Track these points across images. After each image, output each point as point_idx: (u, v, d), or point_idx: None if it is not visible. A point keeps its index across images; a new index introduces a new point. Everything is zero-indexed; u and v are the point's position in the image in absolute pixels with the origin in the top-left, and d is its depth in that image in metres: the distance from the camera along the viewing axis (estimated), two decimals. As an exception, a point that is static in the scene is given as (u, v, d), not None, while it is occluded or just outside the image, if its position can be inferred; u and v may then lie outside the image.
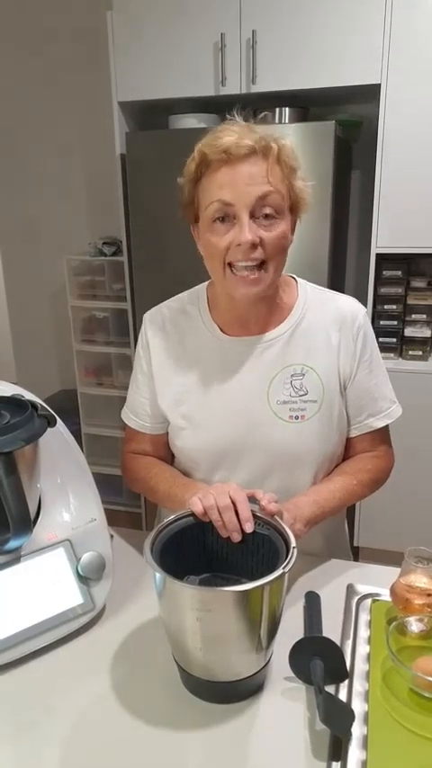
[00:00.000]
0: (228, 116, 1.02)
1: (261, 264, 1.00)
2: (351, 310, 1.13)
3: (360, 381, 1.13)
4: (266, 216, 0.98)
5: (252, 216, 0.98)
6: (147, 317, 1.21)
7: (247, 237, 0.96)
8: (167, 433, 1.21)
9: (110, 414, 3.05)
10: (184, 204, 1.06)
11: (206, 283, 1.18)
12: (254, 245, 0.98)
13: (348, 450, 1.19)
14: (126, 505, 3.01)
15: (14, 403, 0.95)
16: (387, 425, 1.18)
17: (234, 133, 0.97)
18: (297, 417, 1.10)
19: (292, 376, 1.10)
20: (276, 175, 0.98)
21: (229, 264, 1.01)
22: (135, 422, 1.22)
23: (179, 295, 1.21)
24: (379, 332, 2.46)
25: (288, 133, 2.20)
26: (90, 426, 3.12)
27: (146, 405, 1.20)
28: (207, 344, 1.14)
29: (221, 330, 1.13)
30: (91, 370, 3.09)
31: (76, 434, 3.11)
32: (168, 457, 1.24)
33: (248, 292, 1.02)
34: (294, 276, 1.18)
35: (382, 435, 1.19)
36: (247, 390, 1.11)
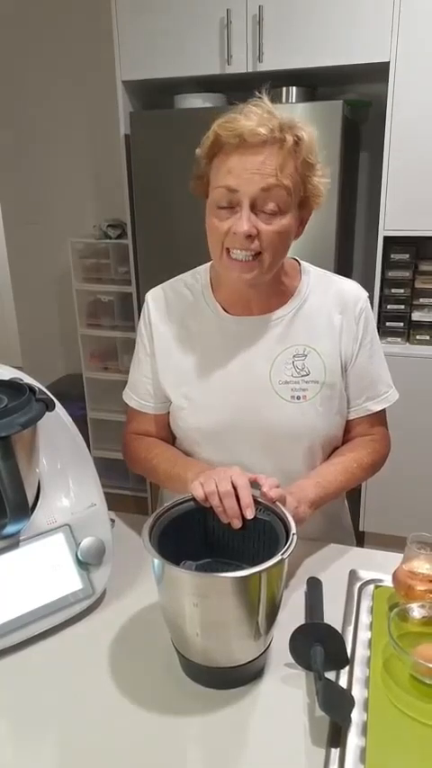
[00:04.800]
0: (257, 94, 0.98)
1: (257, 255, 0.99)
2: (353, 294, 1.14)
3: (360, 364, 1.14)
4: (270, 211, 0.97)
5: (254, 207, 0.96)
6: (149, 295, 1.20)
7: (244, 228, 0.96)
8: (169, 412, 1.21)
9: (116, 398, 3.01)
10: (197, 176, 1.05)
11: (209, 264, 1.17)
12: (250, 237, 0.97)
13: (346, 432, 1.20)
14: (133, 490, 3.01)
15: (12, 386, 0.94)
16: (384, 409, 1.19)
17: (253, 119, 0.94)
18: (298, 398, 1.10)
19: (294, 356, 1.10)
20: (287, 170, 0.96)
21: (227, 249, 1.00)
22: (137, 401, 1.22)
23: (181, 275, 1.20)
24: (386, 316, 2.43)
25: (295, 113, 2.16)
26: (96, 411, 3.10)
27: (148, 384, 1.19)
28: (209, 324, 1.14)
29: (224, 309, 1.13)
30: (96, 354, 3.08)
31: (83, 419, 3.12)
32: (170, 437, 1.24)
33: (241, 278, 1.02)
34: (297, 259, 1.17)
35: (380, 419, 1.20)
36: (249, 370, 1.11)
